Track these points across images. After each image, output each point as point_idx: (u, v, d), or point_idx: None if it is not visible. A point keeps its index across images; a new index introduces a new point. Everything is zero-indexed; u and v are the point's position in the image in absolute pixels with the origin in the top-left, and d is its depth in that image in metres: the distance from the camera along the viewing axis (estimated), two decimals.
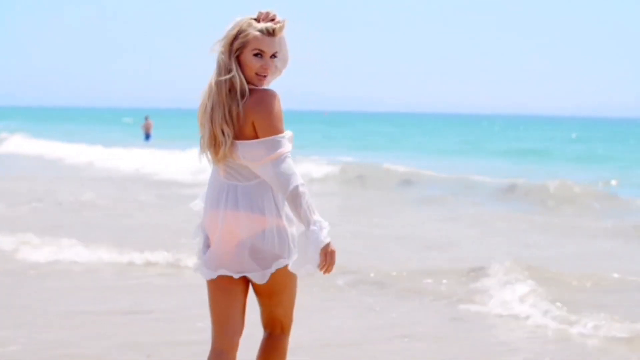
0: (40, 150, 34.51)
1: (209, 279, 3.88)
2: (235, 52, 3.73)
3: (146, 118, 41.55)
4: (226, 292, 3.84)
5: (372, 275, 9.24)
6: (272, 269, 3.79)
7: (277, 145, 3.65)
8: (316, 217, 3.63)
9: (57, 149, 34.24)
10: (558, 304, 7.77)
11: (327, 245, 3.62)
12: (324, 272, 3.65)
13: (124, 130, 60.88)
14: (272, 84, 3.89)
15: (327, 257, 3.62)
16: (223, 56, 3.74)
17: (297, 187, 3.61)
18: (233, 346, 3.84)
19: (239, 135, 3.72)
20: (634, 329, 7.02)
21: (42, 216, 13.78)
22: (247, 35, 3.71)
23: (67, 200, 15.74)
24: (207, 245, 3.89)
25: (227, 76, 3.72)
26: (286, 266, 3.79)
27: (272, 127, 3.66)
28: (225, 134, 3.71)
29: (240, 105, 3.70)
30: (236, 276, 3.83)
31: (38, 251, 10.20)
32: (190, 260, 9.30)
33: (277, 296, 3.88)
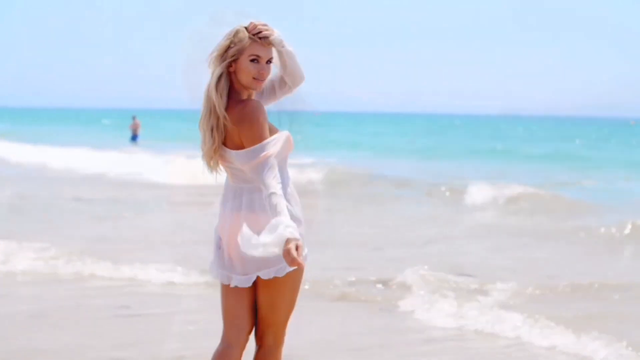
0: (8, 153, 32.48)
1: (221, 281, 4.02)
2: (231, 58, 3.82)
3: (133, 118, 39.61)
4: (235, 291, 3.96)
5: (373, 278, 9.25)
6: (276, 268, 3.85)
7: (260, 150, 3.76)
8: (280, 217, 3.63)
9: (37, 153, 32.01)
10: (551, 322, 7.41)
11: (286, 242, 3.58)
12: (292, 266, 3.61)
13: (105, 132, 58.91)
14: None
15: (286, 256, 3.58)
16: (213, 68, 3.85)
17: (268, 196, 3.69)
18: (240, 342, 3.93)
19: (230, 145, 3.85)
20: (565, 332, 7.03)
21: (22, 219, 13.80)
22: (242, 42, 3.81)
23: (51, 203, 15.70)
24: (218, 246, 4.01)
25: (210, 88, 3.84)
26: (290, 271, 3.87)
27: (255, 138, 3.76)
28: (209, 139, 3.85)
29: (225, 114, 3.81)
30: (246, 285, 3.93)
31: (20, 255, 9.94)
32: (180, 265, 9.41)
33: (276, 299, 3.92)
